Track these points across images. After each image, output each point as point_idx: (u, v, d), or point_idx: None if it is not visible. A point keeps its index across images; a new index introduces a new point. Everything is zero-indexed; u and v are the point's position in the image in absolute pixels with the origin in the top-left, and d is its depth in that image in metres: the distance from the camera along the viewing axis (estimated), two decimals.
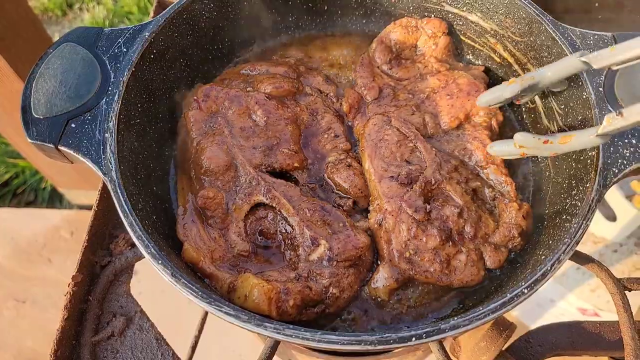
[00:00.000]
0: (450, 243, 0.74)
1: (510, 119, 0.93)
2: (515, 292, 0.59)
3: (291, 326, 0.57)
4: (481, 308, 0.58)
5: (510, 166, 0.85)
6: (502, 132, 0.89)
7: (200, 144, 0.82)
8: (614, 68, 0.66)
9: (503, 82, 0.79)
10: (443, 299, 0.76)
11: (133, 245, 0.85)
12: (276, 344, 0.74)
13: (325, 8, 1.01)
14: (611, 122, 0.63)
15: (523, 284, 0.59)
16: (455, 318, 0.58)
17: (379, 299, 0.75)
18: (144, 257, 0.84)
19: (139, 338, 0.78)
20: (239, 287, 0.70)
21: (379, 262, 0.77)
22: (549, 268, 0.61)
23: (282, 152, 0.83)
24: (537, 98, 0.86)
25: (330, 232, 0.76)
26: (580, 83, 0.75)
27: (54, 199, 2.48)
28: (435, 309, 0.75)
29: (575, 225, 0.64)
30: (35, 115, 0.69)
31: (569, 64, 0.69)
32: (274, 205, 0.78)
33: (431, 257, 0.73)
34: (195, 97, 0.85)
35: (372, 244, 0.78)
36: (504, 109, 0.91)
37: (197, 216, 0.78)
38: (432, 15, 0.97)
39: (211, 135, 0.82)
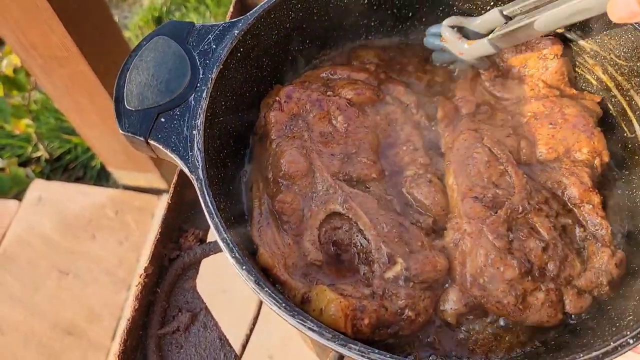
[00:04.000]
0: (530, 278, 0.71)
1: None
2: (620, 341, 0.55)
3: (377, 351, 0.55)
4: (582, 355, 0.54)
5: (605, 205, 0.79)
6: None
7: (279, 147, 0.80)
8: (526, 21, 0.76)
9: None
10: (522, 334, 0.72)
11: (202, 241, 0.85)
12: (342, 356, 0.72)
13: (410, 15, 0.98)
14: (497, 29, 0.81)
15: (628, 333, 0.55)
16: None
17: (447, 321, 0.73)
18: (212, 254, 0.84)
19: (203, 336, 0.78)
20: (314, 299, 0.69)
21: (447, 283, 0.74)
22: None
23: (361, 161, 0.81)
24: (637, 128, 0.80)
25: (408, 251, 0.73)
26: None
27: (101, 177, 2.54)
28: (515, 345, 0.72)
29: None
30: (128, 107, 0.70)
31: (491, 16, 0.83)
32: (350, 216, 0.76)
33: (506, 288, 0.70)
34: (277, 98, 0.84)
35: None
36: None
37: (273, 220, 0.77)
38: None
39: (291, 138, 0.81)
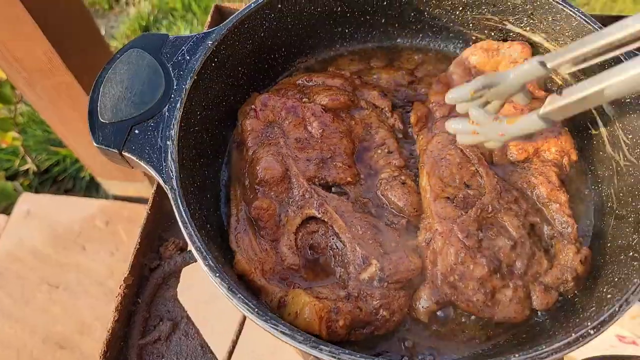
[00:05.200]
0: (498, 275, 0.72)
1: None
2: (581, 332, 0.57)
3: (347, 351, 0.57)
4: (544, 346, 0.56)
5: (572, 203, 0.81)
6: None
7: (255, 154, 0.82)
8: (571, 69, 0.63)
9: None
10: (491, 329, 0.74)
11: (182, 250, 0.86)
12: None
13: (383, 21, 1.00)
14: (551, 101, 0.62)
15: (589, 323, 0.57)
16: (517, 355, 0.56)
17: (419, 319, 0.74)
18: (192, 263, 0.85)
19: (185, 344, 0.79)
20: (290, 303, 0.70)
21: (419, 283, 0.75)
22: (617, 309, 0.58)
23: (336, 165, 0.82)
24: (601, 125, 0.83)
25: (382, 252, 0.75)
26: None
27: (91, 188, 2.54)
28: (484, 340, 0.73)
29: None
30: (102, 120, 0.71)
31: (529, 67, 0.67)
32: (325, 219, 0.78)
33: (476, 286, 0.71)
34: (252, 106, 0.86)
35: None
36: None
37: (250, 226, 0.78)
38: (493, 34, 0.95)
39: (267, 145, 0.82)
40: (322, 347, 0.57)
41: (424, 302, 0.72)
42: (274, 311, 0.70)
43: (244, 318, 0.94)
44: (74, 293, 2.21)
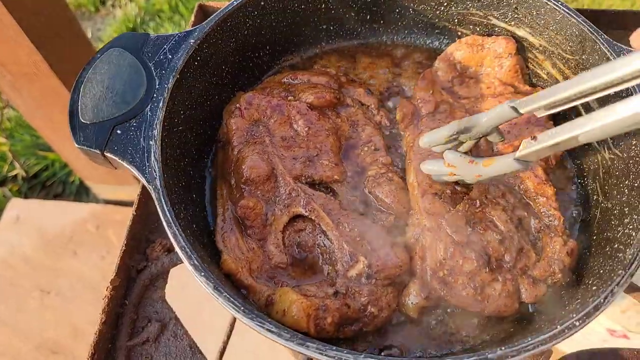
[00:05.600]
0: (487, 270, 0.72)
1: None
2: (566, 324, 0.57)
3: (334, 348, 0.56)
4: (530, 339, 0.56)
5: (558, 196, 0.81)
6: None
7: (241, 153, 0.81)
8: (543, 113, 0.63)
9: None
10: (481, 323, 0.74)
11: (169, 250, 0.85)
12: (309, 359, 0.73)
13: (368, 18, 1.00)
14: (526, 146, 0.64)
15: (574, 315, 0.57)
16: (503, 348, 0.56)
17: (409, 315, 0.74)
18: (180, 264, 0.84)
19: (173, 345, 0.78)
20: (277, 301, 0.69)
21: (408, 278, 0.75)
22: (602, 301, 0.58)
23: (322, 163, 0.82)
24: None
25: (370, 249, 0.74)
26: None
27: (81, 193, 2.52)
28: (474, 333, 0.73)
29: (629, 256, 0.62)
30: (83, 121, 0.70)
31: (501, 110, 0.67)
32: (312, 217, 0.77)
33: (465, 281, 0.71)
34: (237, 105, 0.85)
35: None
36: None
37: (236, 226, 0.78)
38: (478, 29, 0.95)
39: (252, 144, 0.82)
40: (309, 344, 0.56)
41: (413, 297, 0.72)
42: (262, 310, 0.70)
43: (235, 318, 0.93)
44: (66, 298, 2.19)
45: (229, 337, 1.06)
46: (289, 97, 0.89)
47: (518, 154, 0.65)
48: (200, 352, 0.79)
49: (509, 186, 0.80)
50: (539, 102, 0.61)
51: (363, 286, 0.71)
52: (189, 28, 1.01)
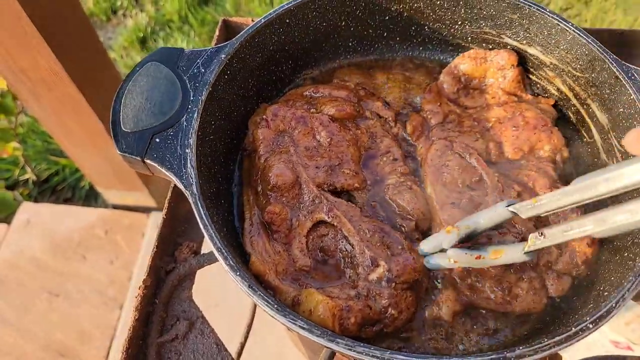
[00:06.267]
0: (512, 271, 0.76)
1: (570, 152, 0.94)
2: (581, 326, 0.61)
3: (362, 344, 0.60)
4: (546, 339, 0.60)
5: None
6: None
7: (267, 161, 0.86)
8: (542, 216, 0.67)
9: (441, 230, 0.77)
10: (502, 324, 0.78)
11: (196, 253, 0.89)
12: (332, 354, 0.77)
13: (385, 35, 1.05)
14: (534, 242, 0.67)
15: (588, 318, 0.61)
16: (521, 348, 0.60)
17: (442, 321, 0.78)
18: (206, 265, 0.89)
19: (201, 342, 0.82)
20: (304, 301, 0.73)
21: (439, 286, 0.80)
22: (613, 305, 0.63)
23: (344, 172, 0.87)
24: (595, 133, 0.88)
25: (390, 254, 0.79)
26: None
27: (90, 198, 2.56)
28: (491, 335, 0.77)
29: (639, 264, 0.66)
30: (124, 129, 0.74)
31: (499, 213, 0.70)
32: (335, 223, 0.82)
33: (493, 284, 0.75)
34: (264, 116, 0.90)
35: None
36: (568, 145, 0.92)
37: (263, 230, 0.82)
38: (491, 47, 1.00)
39: (278, 153, 0.86)
40: (338, 340, 0.60)
41: (447, 303, 0.76)
42: (290, 309, 0.73)
43: (251, 321, 0.97)
44: (73, 301, 2.22)
45: (245, 339, 1.10)
46: (312, 110, 0.94)
47: (527, 249, 0.68)
48: (226, 350, 0.83)
49: (523, 184, 0.84)
50: (538, 210, 0.65)
51: (383, 289, 0.75)
52: (213, 43, 1.07)
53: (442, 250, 0.74)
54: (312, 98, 0.97)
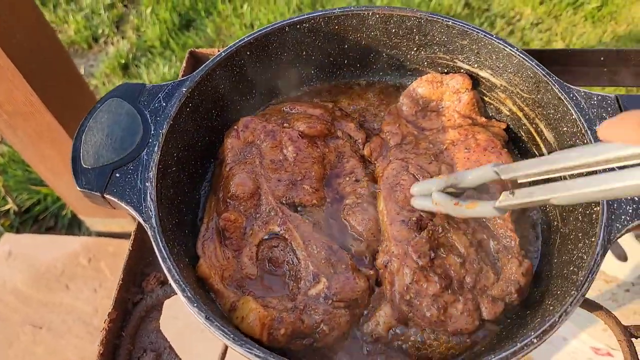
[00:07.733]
0: (450, 291, 0.79)
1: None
2: (525, 341, 0.63)
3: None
4: (493, 356, 0.62)
5: (521, 215, 0.89)
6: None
7: (231, 170, 0.89)
8: (526, 180, 0.71)
9: (434, 176, 0.86)
10: (449, 340, 0.80)
11: (163, 283, 0.91)
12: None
13: (345, 62, 1.08)
14: (505, 199, 0.71)
15: (532, 333, 0.64)
16: None
17: (375, 335, 0.80)
18: (173, 295, 0.90)
19: None
20: (239, 308, 0.76)
21: (380, 301, 0.82)
22: (557, 319, 0.65)
23: (304, 188, 0.89)
24: (545, 151, 0.91)
25: (332, 272, 0.81)
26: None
27: (73, 226, 2.55)
28: (442, 352, 0.79)
29: (581, 278, 0.69)
30: (84, 166, 0.76)
31: (485, 172, 0.75)
32: (286, 236, 0.84)
33: (429, 302, 0.78)
34: (235, 127, 0.93)
35: (369, 289, 0.82)
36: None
37: (217, 235, 0.85)
38: (446, 71, 1.04)
39: (243, 163, 0.90)
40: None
41: (383, 318, 0.78)
42: (226, 314, 0.76)
43: (226, 347, 0.98)
44: (58, 333, 2.20)
45: None
46: (285, 125, 0.96)
47: (497, 204, 0.72)
48: None
49: None
50: (518, 172, 0.69)
51: (319, 305, 0.77)
52: (180, 75, 1.10)
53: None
54: (288, 114, 1.01)
